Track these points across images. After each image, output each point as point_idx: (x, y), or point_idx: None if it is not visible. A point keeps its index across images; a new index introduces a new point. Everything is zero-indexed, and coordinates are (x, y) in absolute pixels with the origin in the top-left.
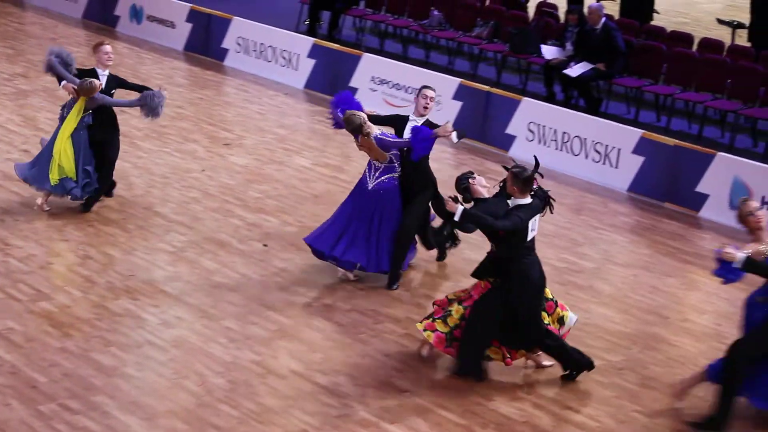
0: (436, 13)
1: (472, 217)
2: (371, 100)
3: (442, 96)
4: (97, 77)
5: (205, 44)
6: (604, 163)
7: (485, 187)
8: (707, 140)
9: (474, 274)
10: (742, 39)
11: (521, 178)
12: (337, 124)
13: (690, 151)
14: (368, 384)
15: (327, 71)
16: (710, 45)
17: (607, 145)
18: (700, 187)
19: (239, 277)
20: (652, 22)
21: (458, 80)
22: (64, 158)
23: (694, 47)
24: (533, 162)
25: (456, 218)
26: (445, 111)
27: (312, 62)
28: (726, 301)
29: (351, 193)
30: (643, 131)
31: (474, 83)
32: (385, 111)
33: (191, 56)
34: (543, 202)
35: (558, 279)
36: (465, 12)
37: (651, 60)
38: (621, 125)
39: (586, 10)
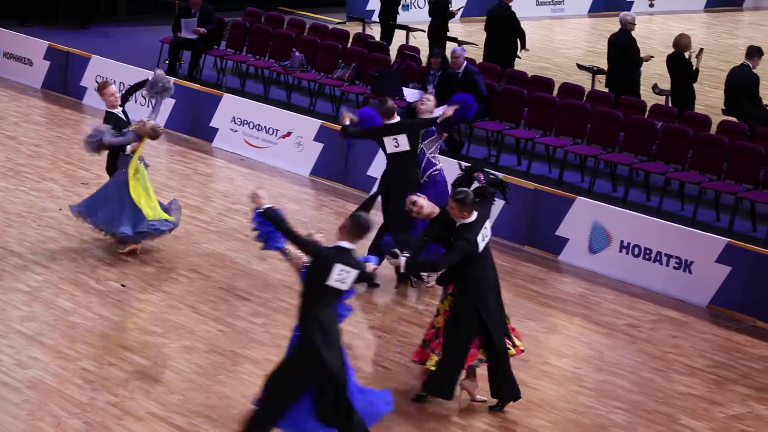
0: (297, 54)
1: (419, 267)
2: (232, 141)
3: (303, 137)
4: (119, 117)
5: (64, 82)
6: None
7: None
8: (567, 184)
9: (437, 281)
10: (602, 84)
11: (468, 202)
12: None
13: (550, 195)
14: (226, 426)
15: (187, 111)
16: (570, 90)
17: None
18: (560, 231)
19: (97, 318)
20: (514, 67)
21: (320, 122)
22: (146, 203)
23: (555, 92)
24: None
25: (403, 271)
26: (306, 152)
27: (172, 102)
28: (585, 344)
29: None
30: (504, 174)
31: (335, 125)
32: (245, 151)
33: (49, 94)
34: (493, 195)
35: (419, 321)
36: (327, 54)
37: (512, 104)
38: None
39: (448, 53)
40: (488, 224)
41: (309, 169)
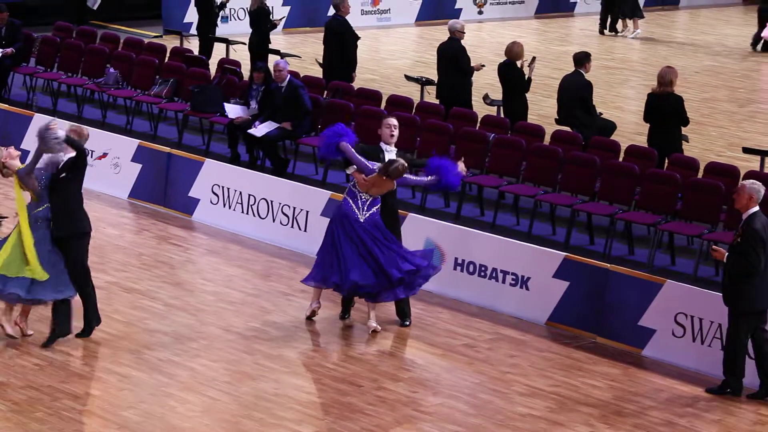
0: (112, 70)
1: None
2: None
3: (120, 158)
4: None
5: None
6: (292, 227)
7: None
8: (398, 201)
9: None
10: (431, 96)
11: None
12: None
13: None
14: None
15: None
16: (399, 102)
17: (295, 208)
18: None
19: None
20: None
21: (137, 141)
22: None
23: (383, 105)
24: None
25: None
26: (124, 174)
27: None
28: (421, 367)
29: (336, 226)
30: (332, 192)
31: (154, 144)
32: None
33: None
34: None
35: (245, 348)
36: (143, 69)
37: (338, 118)
38: (310, 186)
39: (271, 66)
40: None
41: (127, 192)
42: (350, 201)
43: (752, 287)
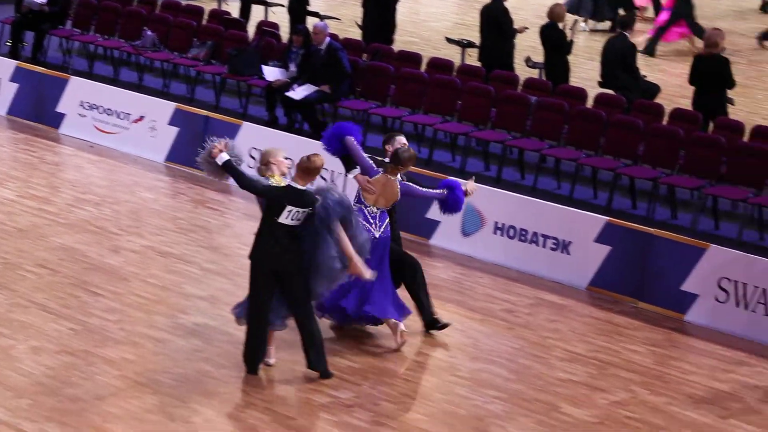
0: (149, 33)
1: None
2: (81, 127)
3: (157, 122)
4: None
5: None
6: None
7: None
8: (437, 164)
9: None
10: (473, 59)
11: None
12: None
13: (419, 175)
14: (80, 431)
15: (31, 96)
16: (439, 65)
17: (333, 171)
18: (431, 214)
19: None
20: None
21: (174, 104)
22: None
23: (423, 67)
24: None
25: None
26: (161, 137)
27: (15, 86)
28: (460, 332)
29: None
30: (370, 155)
31: (191, 107)
32: (95, 138)
33: None
34: None
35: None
36: (180, 32)
37: (378, 81)
38: None
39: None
40: None
41: (164, 155)
42: (360, 219)
43: None
